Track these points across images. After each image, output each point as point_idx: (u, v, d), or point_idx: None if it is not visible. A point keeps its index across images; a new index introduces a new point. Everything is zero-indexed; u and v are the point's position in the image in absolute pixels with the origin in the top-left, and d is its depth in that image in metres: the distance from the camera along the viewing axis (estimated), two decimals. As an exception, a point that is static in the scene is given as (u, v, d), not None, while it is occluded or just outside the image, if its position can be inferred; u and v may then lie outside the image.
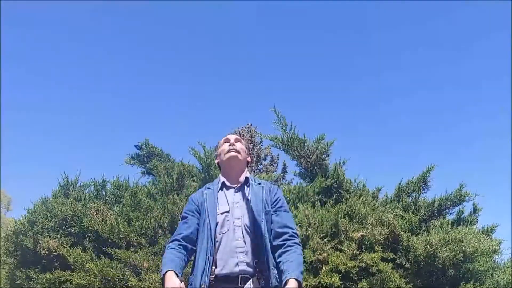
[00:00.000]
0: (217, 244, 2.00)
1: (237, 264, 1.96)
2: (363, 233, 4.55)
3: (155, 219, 4.56)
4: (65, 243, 4.69)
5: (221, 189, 2.17)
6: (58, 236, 4.77)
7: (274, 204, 2.15)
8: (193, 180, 5.35)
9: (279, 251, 2.00)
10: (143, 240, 4.51)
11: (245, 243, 2.00)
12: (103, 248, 4.49)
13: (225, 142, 2.30)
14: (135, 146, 5.99)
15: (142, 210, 4.75)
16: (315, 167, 5.36)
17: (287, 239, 2.02)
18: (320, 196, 5.07)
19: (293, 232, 2.06)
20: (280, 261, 1.97)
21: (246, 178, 2.20)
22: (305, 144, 5.38)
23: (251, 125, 13.55)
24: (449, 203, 5.12)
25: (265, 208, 2.09)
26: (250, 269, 1.97)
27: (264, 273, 1.96)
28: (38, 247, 4.70)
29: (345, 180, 5.34)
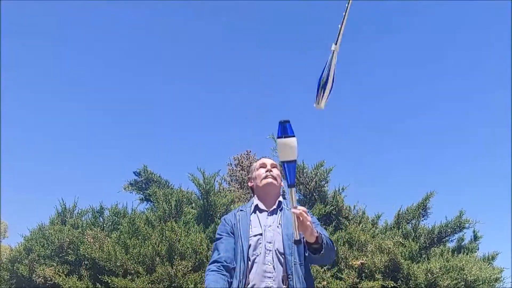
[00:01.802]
0: (249, 265, 2.00)
1: None
2: (363, 261, 4.51)
3: (153, 247, 4.52)
4: (61, 271, 4.63)
5: (254, 211, 2.17)
6: (54, 264, 4.71)
7: None
8: (192, 207, 5.33)
9: None
10: (141, 268, 4.46)
11: (274, 268, 1.99)
12: (100, 276, 4.43)
13: (261, 167, 2.30)
14: (134, 172, 5.99)
15: (140, 237, 4.71)
16: (314, 194, 5.35)
17: None
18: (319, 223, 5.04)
19: (328, 238, 2.09)
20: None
21: (279, 202, 2.20)
22: (304, 170, 5.39)
23: (250, 151, 13.58)
24: (449, 230, 5.10)
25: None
26: None
27: None
28: (34, 275, 4.64)
29: (344, 207, 5.32)
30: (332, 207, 5.19)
